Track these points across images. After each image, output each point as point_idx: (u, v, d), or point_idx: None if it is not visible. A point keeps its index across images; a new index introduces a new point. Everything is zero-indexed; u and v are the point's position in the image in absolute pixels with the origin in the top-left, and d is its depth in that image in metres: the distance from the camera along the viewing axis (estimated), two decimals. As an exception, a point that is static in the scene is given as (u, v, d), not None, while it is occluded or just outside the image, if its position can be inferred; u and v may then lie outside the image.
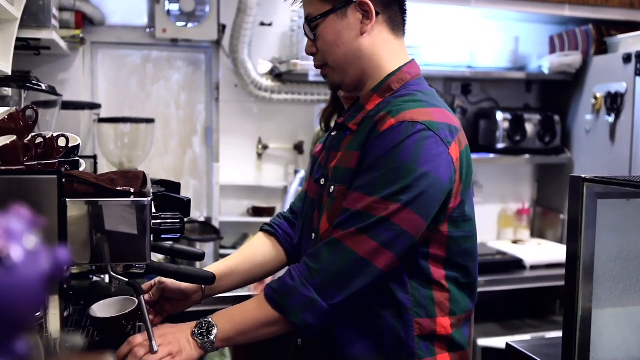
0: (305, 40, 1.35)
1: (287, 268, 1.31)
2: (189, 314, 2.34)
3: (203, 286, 1.42)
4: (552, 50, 3.32)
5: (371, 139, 1.20)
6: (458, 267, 1.27)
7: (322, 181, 1.32)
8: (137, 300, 1.25)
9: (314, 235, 1.33)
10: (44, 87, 1.92)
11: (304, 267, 1.20)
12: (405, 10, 1.34)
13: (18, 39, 2.16)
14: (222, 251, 2.86)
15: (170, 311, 1.44)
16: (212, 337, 1.19)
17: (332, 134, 1.38)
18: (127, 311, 1.27)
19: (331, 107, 2.08)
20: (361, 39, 1.27)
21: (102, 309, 1.31)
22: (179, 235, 1.19)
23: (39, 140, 1.20)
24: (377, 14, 1.26)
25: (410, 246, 1.18)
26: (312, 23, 1.28)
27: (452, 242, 1.25)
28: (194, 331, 1.20)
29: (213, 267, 1.47)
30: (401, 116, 1.18)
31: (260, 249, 1.53)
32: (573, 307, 1.31)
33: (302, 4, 1.34)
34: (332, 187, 1.26)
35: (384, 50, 1.29)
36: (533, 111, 3.29)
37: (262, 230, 1.57)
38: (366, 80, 1.31)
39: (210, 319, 1.22)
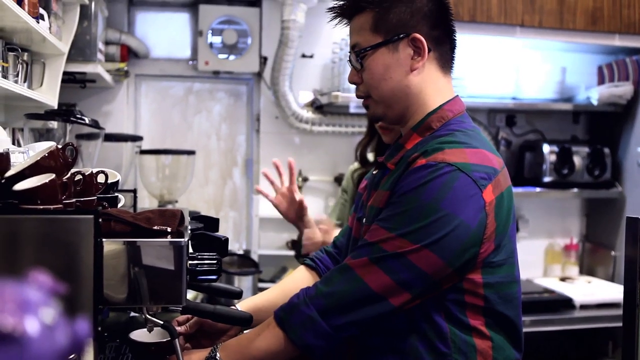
0: (348, 71, 1.32)
1: None
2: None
3: None
4: (601, 80, 3.22)
5: (402, 179, 1.16)
6: (499, 315, 1.20)
7: (364, 220, 1.29)
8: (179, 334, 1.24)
9: None
10: (87, 121, 1.94)
11: (312, 288, 1.18)
12: (455, 47, 1.30)
13: (65, 73, 2.20)
14: (261, 284, 2.83)
15: (207, 345, 1.40)
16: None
17: (374, 172, 1.35)
18: (159, 340, 1.27)
19: (367, 138, 2.05)
20: (410, 76, 1.22)
21: (141, 335, 1.32)
22: (215, 277, 1.16)
23: (78, 177, 1.19)
24: (429, 50, 1.21)
25: (429, 288, 1.13)
26: (360, 54, 1.24)
27: (489, 289, 1.18)
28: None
29: (252, 300, 1.47)
30: (433, 157, 1.13)
31: (300, 282, 1.49)
32: (633, 357, 1.23)
33: (347, 32, 1.31)
34: (367, 227, 1.23)
35: (431, 88, 1.24)
36: (581, 143, 3.18)
37: (303, 264, 1.56)
38: (409, 117, 1.27)
39: (217, 352, 1.21)
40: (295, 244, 2.51)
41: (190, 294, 2.38)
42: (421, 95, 1.24)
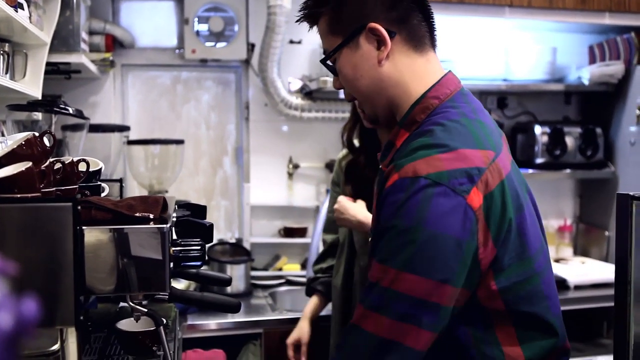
0: None
1: None
2: (222, 338, 2.30)
3: None
4: (592, 60, 3.20)
5: (381, 197, 1.08)
6: (524, 315, 1.12)
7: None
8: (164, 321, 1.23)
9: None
10: (71, 111, 1.91)
11: None
12: (429, 16, 1.17)
13: (48, 64, 2.17)
14: (253, 272, 2.82)
15: None
16: None
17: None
18: (146, 329, 1.26)
19: (352, 122, 2.02)
20: (380, 68, 1.12)
21: (128, 324, 1.31)
22: (200, 263, 1.14)
23: (58, 165, 1.17)
24: (393, 34, 1.11)
25: (445, 316, 1.04)
26: (328, 60, 1.18)
27: (507, 294, 1.09)
28: None
29: None
30: (404, 171, 1.03)
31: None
32: (624, 334, 1.22)
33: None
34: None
35: (407, 74, 1.14)
36: (573, 124, 3.16)
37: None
38: (396, 110, 1.17)
39: None
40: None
41: (183, 284, 2.37)
42: (400, 84, 1.14)
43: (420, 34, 1.15)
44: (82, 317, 1.05)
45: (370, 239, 1.19)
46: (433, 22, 1.17)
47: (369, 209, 1.90)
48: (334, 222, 2.05)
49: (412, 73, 1.14)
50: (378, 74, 1.13)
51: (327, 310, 2.21)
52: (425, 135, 1.08)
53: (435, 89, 1.13)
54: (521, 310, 1.10)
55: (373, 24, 1.10)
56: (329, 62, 1.18)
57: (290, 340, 2.16)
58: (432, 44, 1.18)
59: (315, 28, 1.21)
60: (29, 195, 1.03)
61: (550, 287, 1.16)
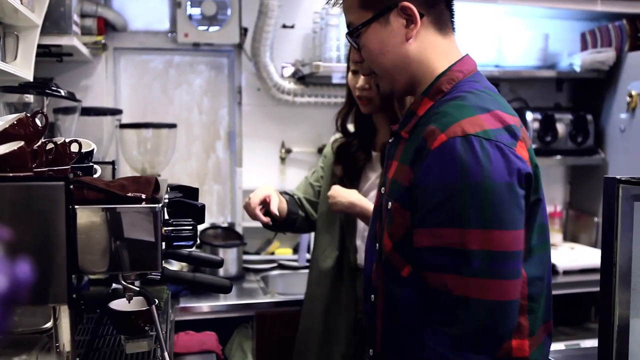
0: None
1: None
2: (214, 320, 2.31)
3: None
4: (584, 47, 3.21)
5: (422, 158, 1.11)
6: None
7: (382, 190, 1.26)
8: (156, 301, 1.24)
9: (377, 245, 1.27)
10: (62, 93, 1.90)
11: (445, 338, 1.11)
12: (452, 3, 1.26)
13: (40, 46, 2.16)
14: (246, 256, 2.83)
15: None
16: None
17: (390, 141, 1.32)
18: (138, 309, 1.27)
19: (346, 108, 2.02)
20: (407, 45, 1.19)
21: (120, 304, 1.32)
22: (191, 242, 1.15)
23: (50, 146, 1.17)
24: (422, 16, 1.18)
25: (521, 260, 1.13)
26: (354, 33, 1.22)
27: (531, 286, 1.19)
28: None
29: None
30: (451, 130, 1.08)
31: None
32: (609, 316, 1.23)
33: (341, 10, 1.27)
34: (390, 204, 1.19)
35: (432, 52, 1.21)
36: (564, 111, 3.18)
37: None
38: (417, 86, 1.24)
39: None
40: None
41: (175, 267, 2.38)
42: (424, 62, 1.21)
43: (445, 19, 1.23)
44: (74, 296, 1.06)
45: (388, 205, 1.21)
46: (454, 10, 1.27)
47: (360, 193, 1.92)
48: (309, 185, 2.14)
49: (436, 52, 1.21)
50: (405, 50, 1.19)
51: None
52: (456, 99, 1.15)
53: (460, 64, 1.22)
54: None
55: (406, 3, 1.16)
56: (352, 35, 1.23)
57: (257, 199, 1.94)
58: (453, 29, 1.26)
59: (335, 4, 1.28)
60: (22, 174, 1.04)
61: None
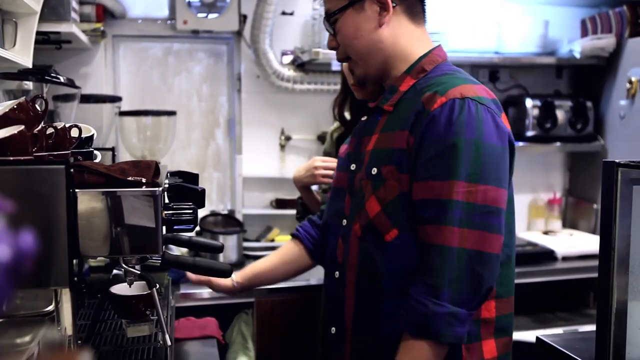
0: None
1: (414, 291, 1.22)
2: (215, 307, 2.32)
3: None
4: (584, 33, 3.20)
5: (422, 120, 1.19)
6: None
7: (353, 167, 1.32)
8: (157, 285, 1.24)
9: (345, 221, 1.34)
10: (62, 80, 1.90)
11: (423, 286, 1.15)
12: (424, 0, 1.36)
13: (38, 33, 2.15)
14: (246, 244, 2.84)
15: None
16: None
17: (363, 119, 1.38)
18: (139, 293, 1.27)
19: (342, 95, 2.03)
20: (380, 30, 1.28)
21: (121, 289, 1.33)
22: (192, 226, 1.15)
23: (50, 130, 1.18)
24: (395, 4, 1.28)
25: (503, 217, 1.19)
26: (331, 18, 1.31)
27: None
28: None
29: (251, 267, 1.74)
30: (451, 93, 1.18)
31: (284, 249, 1.72)
32: (607, 300, 1.24)
33: None
34: (375, 170, 1.25)
35: (405, 39, 1.30)
36: (564, 97, 3.18)
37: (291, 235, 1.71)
38: (390, 70, 1.32)
39: None
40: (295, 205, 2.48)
41: (176, 253, 2.38)
42: (397, 47, 1.30)
43: (417, 10, 1.33)
44: (76, 279, 1.07)
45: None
46: (425, 4, 1.36)
47: None
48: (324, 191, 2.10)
49: (409, 38, 1.31)
50: (377, 35, 1.29)
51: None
52: (446, 74, 1.26)
53: (438, 49, 1.34)
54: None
55: None
56: (329, 21, 1.32)
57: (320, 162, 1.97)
58: (425, 21, 1.36)
59: None
60: (22, 158, 1.04)
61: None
